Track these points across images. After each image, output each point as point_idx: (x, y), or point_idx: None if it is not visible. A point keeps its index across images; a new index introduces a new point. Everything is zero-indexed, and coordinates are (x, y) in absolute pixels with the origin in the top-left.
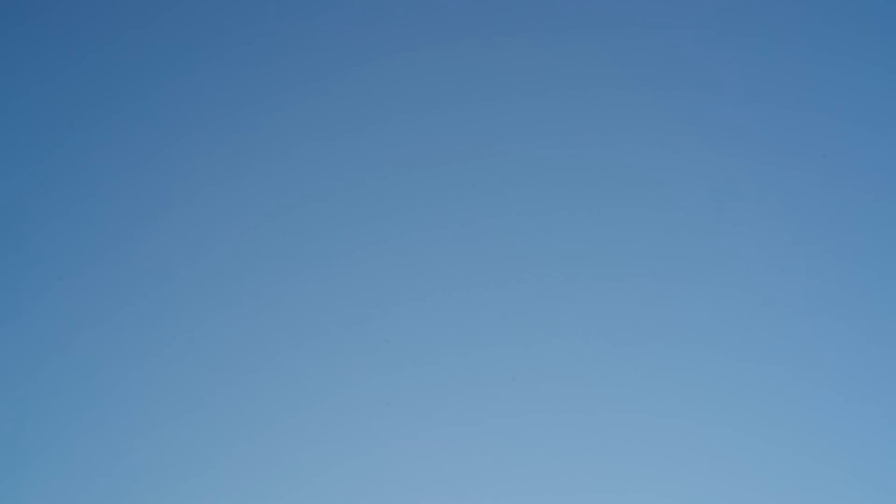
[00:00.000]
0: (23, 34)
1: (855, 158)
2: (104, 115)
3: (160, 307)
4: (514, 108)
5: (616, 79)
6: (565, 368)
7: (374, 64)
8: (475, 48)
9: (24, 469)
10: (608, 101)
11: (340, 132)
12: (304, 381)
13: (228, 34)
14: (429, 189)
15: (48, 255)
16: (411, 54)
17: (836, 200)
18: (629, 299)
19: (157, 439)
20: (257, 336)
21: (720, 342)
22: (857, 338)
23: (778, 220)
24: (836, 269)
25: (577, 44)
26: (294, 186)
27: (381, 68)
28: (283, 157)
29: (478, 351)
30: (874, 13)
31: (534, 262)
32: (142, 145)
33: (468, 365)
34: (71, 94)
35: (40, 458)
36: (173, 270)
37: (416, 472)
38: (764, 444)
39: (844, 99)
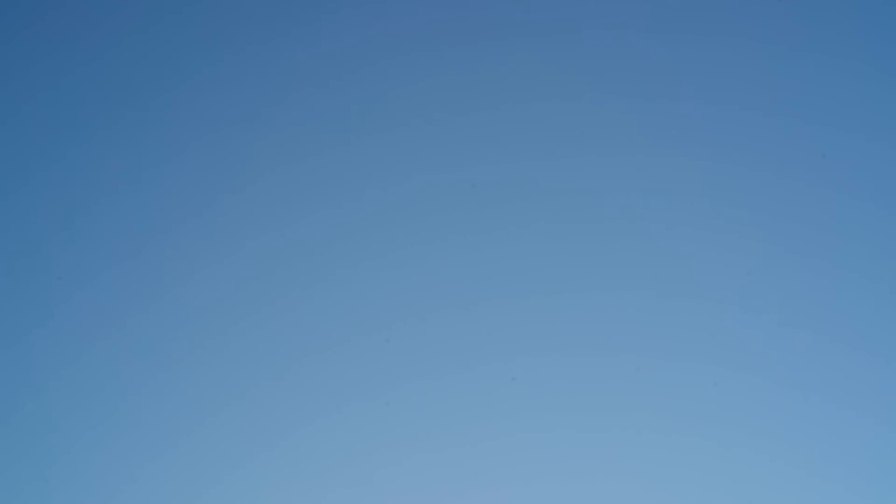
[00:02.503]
0: (34, 38)
1: (854, 160)
2: (114, 118)
3: (163, 311)
4: (514, 116)
5: (618, 86)
6: (562, 373)
7: (378, 67)
8: (484, 52)
9: (27, 473)
10: (612, 108)
11: (349, 137)
12: (304, 381)
13: (234, 39)
14: (432, 195)
15: (58, 259)
16: (415, 58)
17: (833, 205)
18: (626, 307)
19: (159, 439)
20: (258, 337)
21: (715, 350)
22: (849, 345)
23: (773, 227)
24: (831, 276)
25: (585, 49)
26: (301, 193)
27: (386, 72)
28: (290, 163)
29: (478, 350)
30: (871, 16)
31: (532, 267)
32: (149, 150)
33: (469, 363)
34: (80, 96)
35: (42, 461)
36: (178, 276)
37: (415, 472)
38: (754, 453)
39: (843, 101)
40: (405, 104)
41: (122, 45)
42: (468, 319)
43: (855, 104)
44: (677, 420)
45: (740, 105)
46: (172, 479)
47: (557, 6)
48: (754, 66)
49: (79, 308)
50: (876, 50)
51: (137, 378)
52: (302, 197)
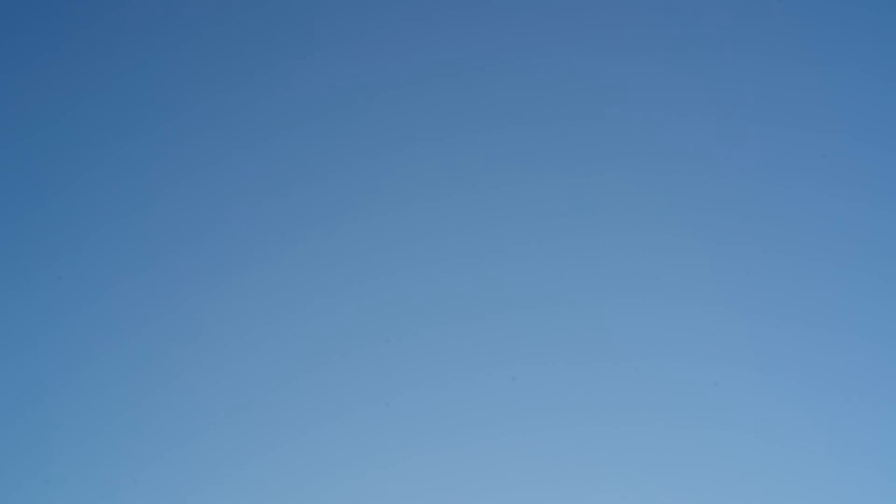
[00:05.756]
0: (82, 43)
1: (854, 161)
2: (142, 128)
3: (176, 316)
4: (516, 131)
5: (611, 99)
6: (563, 373)
7: (390, 87)
8: (488, 72)
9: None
10: (606, 119)
11: (360, 153)
12: (305, 381)
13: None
14: (440, 210)
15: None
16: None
17: (832, 206)
18: (626, 311)
19: (167, 442)
20: (267, 343)
21: (715, 353)
22: (849, 345)
23: (771, 228)
24: (830, 276)
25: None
26: (315, 207)
27: (399, 90)
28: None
29: (478, 349)
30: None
31: (535, 274)
32: (173, 160)
33: (468, 363)
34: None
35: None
36: (192, 283)
37: (414, 472)
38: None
39: (843, 103)
40: (416, 121)
41: (150, 51)
42: (472, 325)
43: (854, 106)
44: (677, 420)
45: (736, 110)
46: (182, 483)
47: (559, 24)
48: (752, 72)
49: (94, 313)
50: (873, 52)
51: (149, 382)
52: (315, 210)
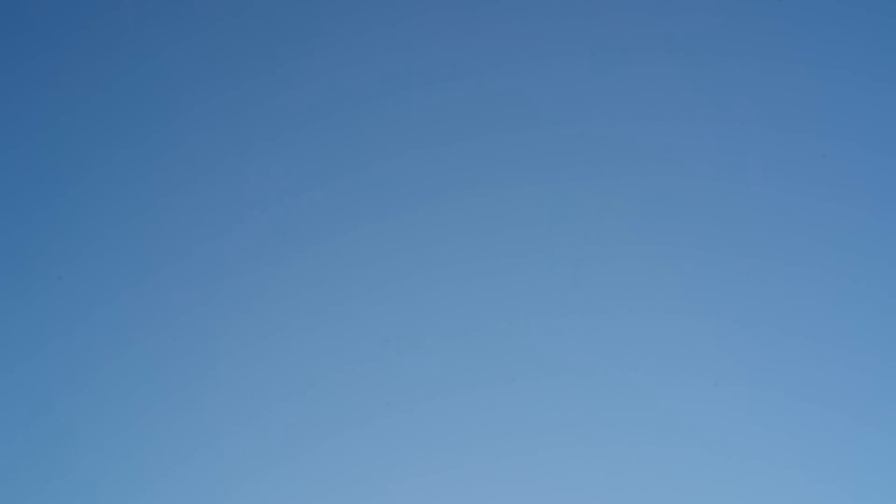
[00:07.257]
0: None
1: (855, 163)
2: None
3: (187, 321)
4: (516, 139)
5: (609, 105)
6: (563, 378)
7: (393, 92)
8: (488, 78)
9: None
10: (605, 126)
11: (368, 161)
12: (306, 380)
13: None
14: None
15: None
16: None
17: (831, 208)
18: (627, 320)
19: (162, 438)
20: (259, 335)
21: (716, 358)
22: (847, 351)
23: (769, 234)
24: (826, 282)
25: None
26: (320, 217)
27: (401, 97)
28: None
29: (478, 350)
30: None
31: (536, 285)
32: (184, 164)
33: (468, 364)
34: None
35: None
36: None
37: (415, 472)
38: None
39: (844, 104)
40: (417, 126)
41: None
42: (473, 329)
43: (854, 108)
44: (675, 425)
45: (736, 113)
46: (181, 488)
47: (558, 27)
48: (751, 75)
49: (95, 314)
50: (872, 53)
51: (148, 388)
52: (318, 216)
